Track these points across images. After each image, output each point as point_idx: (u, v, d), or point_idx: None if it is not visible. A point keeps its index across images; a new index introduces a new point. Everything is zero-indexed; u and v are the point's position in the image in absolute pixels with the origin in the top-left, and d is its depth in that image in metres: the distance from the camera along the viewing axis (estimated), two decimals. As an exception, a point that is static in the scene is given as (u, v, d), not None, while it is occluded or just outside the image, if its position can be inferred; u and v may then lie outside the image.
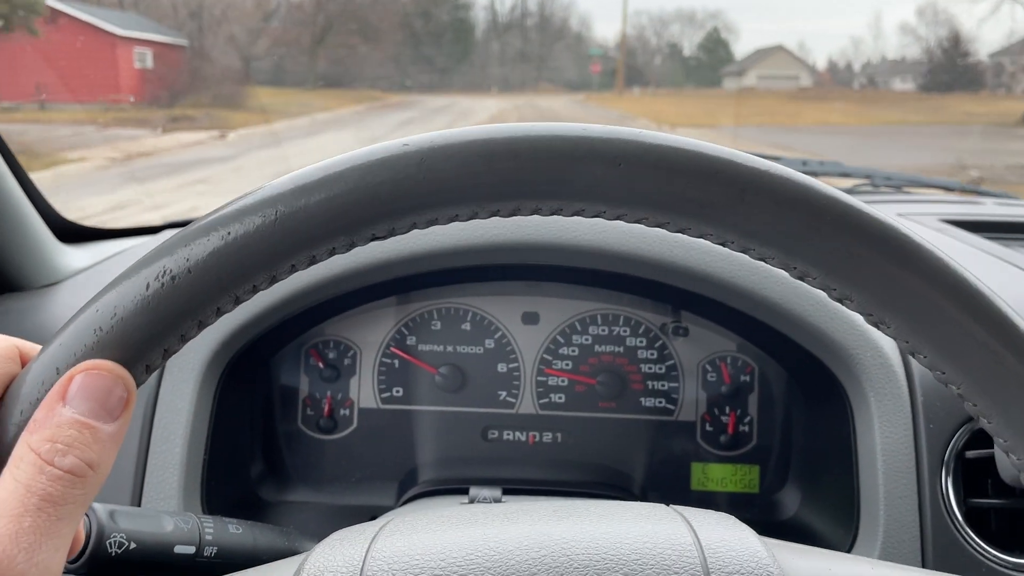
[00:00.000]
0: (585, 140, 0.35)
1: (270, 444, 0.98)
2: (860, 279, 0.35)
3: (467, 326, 0.99)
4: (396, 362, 0.99)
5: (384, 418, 0.99)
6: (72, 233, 1.18)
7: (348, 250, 0.36)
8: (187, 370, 0.83)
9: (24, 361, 0.36)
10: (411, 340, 0.99)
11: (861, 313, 0.37)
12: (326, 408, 0.98)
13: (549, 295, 0.99)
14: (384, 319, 0.99)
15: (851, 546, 0.80)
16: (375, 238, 0.36)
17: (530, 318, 0.99)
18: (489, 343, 0.99)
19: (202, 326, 0.35)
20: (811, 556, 0.42)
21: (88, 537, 0.54)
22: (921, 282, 0.35)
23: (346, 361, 0.99)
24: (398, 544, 0.41)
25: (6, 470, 0.32)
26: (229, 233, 0.34)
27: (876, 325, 0.37)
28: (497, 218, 0.92)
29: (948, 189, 1.58)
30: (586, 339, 0.98)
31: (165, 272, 0.34)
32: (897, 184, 1.57)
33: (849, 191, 1.51)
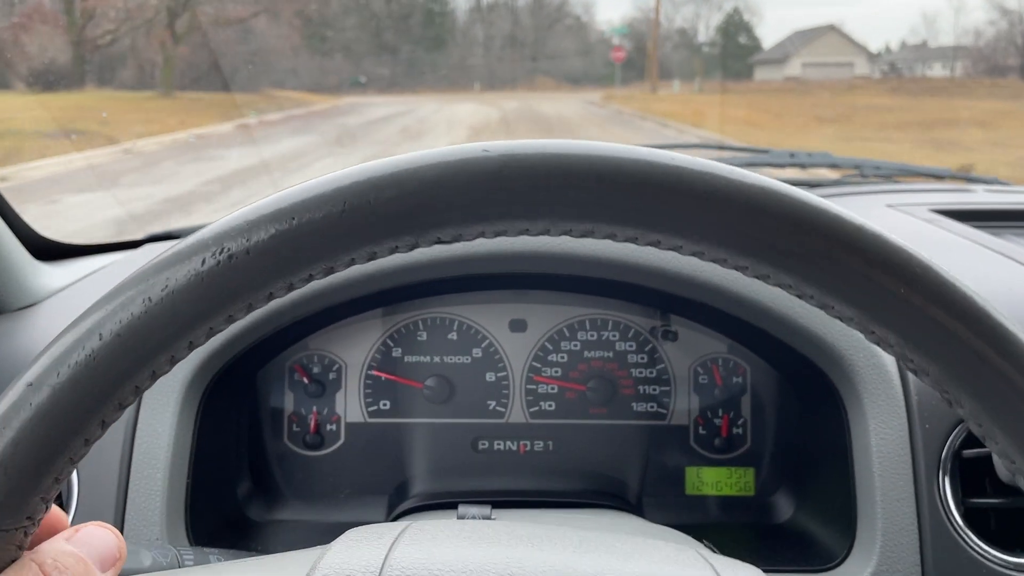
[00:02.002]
0: (674, 171, 0.33)
1: (257, 462, 0.96)
2: (943, 349, 0.34)
3: (453, 335, 0.97)
4: (382, 375, 0.97)
5: (372, 432, 0.97)
6: (49, 250, 1.16)
7: (410, 250, 0.35)
8: (167, 393, 0.81)
9: None
10: (397, 352, 0.97)
11: (936, 389, 0.35)
12: (312, 424, 0.96)
13: (536, 302, 0.97)
14: (369, 331, 0.97)
15: (849, 550, 0.79)
16: (440, 241, 0.35)
17: (518, 325, 0.97)
18: (477, 352, 0.97)
19: (251, 309, 0.35)
20: None
21: None
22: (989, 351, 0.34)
23: (331, 375, 0.97)
24: (418, 554, 0.40)
25: (9, 571, 0.35)
26: (294, 219, 0.33)
27: (948, 400, 0.36)
28: None
29: (938, 177, 1.57)
30: (575, 345, 0.97)
31: (223, 250, 0.33)
32: (886, 173, 1.55)
33: (839, 182, 1.50)
